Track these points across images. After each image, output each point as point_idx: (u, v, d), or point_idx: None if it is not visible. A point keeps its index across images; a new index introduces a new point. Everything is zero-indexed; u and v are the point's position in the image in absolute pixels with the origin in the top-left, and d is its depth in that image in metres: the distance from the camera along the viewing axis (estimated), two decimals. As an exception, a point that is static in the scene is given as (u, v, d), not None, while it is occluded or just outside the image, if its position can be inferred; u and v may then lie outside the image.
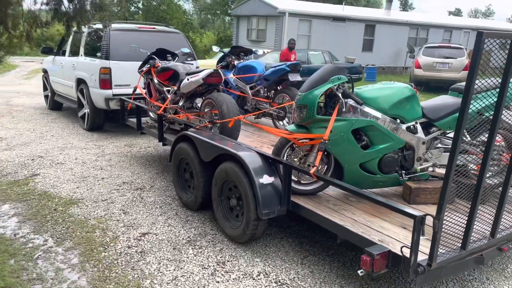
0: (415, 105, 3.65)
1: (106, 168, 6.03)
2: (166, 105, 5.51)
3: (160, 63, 6.05)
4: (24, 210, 4.57)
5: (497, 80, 2.52)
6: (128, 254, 3.69)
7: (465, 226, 2.72)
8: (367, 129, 3.53)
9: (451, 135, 3.91)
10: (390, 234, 3.04)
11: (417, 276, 2.62)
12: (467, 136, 3.52)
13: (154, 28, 8.31)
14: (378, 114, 3.52)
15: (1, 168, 5.90)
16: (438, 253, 2.61)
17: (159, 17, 29.50)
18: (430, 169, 3.78)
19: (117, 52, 7.50)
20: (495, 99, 2.58)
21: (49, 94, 10.08)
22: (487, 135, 3.46)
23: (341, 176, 3.61)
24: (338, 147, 3.51)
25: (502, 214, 2.90)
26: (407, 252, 2.63)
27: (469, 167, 3.53)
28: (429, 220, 2.60)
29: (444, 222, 2.54)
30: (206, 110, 5.14)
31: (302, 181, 3.77)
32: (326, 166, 3.73)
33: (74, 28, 3.69)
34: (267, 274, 3.41)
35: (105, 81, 7.42)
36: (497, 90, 2.55)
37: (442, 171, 3.89)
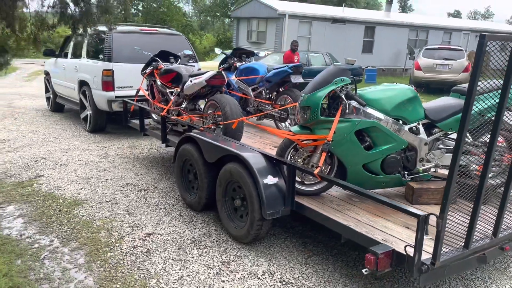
0: (417, 106, 3.69)
1: (109, 169, 6.07)
2: (169, 106, 5.55)
3: (163, 65, 6.09)
4: (29, 211, 4.61)
5: (499, 82, 2.56)
6: (134, 254, 3.72)
7: (468, 225, 2.76)
8: (370, 130, 3.57)
9: (453, 136, 3.96)
10: (394, 234, 3.08)
11: (421, 275, 2.66)
12: (469, 137, 3.56)
13: (156, 30, 8.36)
14: (381, 115, 3.57)
15: (5, 170, 5.93)
16: (442, 252, 2.65)
17: (158, 19, 29.60)
18: (432, 169, 3.82)
19: (120, 54, 7.55)
20: (496, 101, 2.63)
21: (51, 96, 10.12)
22: (488, 136, 3.52)
23: (344, 176, 3.65)
24: (342, 148, 3.56)
25: (504, 213, 2.94)
26: (411, 251, 2.67)
27: (471, 168, 3.58)
28: (431, 220, 2.64)
29: (447, 221, 2.58)
30: (209, 111, 5.18)
31: (305, 182, 3.81)
32: (329, 167, 3.77)
33: (80, 31, 3.73)
34: (271, 274, 3.45)
35: (108, 83, 7.47)
36: (498, 91, 2.60)
37: (444, 171, 3.94)
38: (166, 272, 3.46)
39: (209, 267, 3.53)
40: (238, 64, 6.69)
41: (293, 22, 20.39)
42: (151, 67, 6.19)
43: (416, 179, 3.77)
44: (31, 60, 23.86)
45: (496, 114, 2.57)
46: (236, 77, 6.48)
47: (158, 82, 5.98)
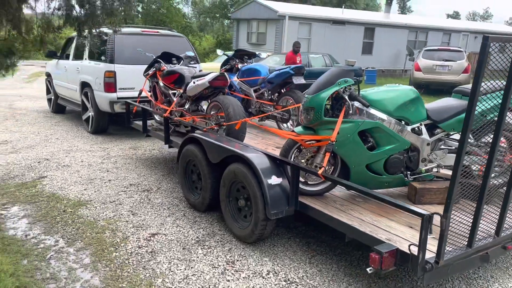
0: (419, 107, 3.73)
1: (112, 170, 6.10)
2: (172, 108, 5.59)
3: (166, 67, 6.13)
4: (33, 212, 4.63)
5: (501, 83, 2.59)
6: (139, 254, 3.75)
7: (471, 224, 2.80)
8: (373, 131, 3.61)
9: (455, 136, 4.00)
10: (397, 233, 3.11)
11: (425, 273, 2.69)
12: (471, 137, 3.60)
13: (157, 32, 8.40)
14: (383, 116, 3.60)
15: (8, 171, 5.96)
16: (445, 251, 2.68)
17: (158, 21, 29.64)
18: (435, 170, 3.85)
19: (122, 56, 7.59)
20: (498, 101, 2.67)
21: (52, 97, 10.15)
22: (490, 137, 3.56)
23: (347, 176, 3.68)
24: (345, 148, 3.59)
25: (507, 213, 2.98)
26: (415, 250, 2.70)
27: (473, 168, 3.61)
28: (435, 220, 2.67)
29: (450, 221, 2.61)
30: (212, 112, 5.22)
31: (309, 182, 3.85)
32: (332, 167, 3.81)
33: (86, 33, 3.77)
34: (276, 273, 3.48)
35: (110, 85, 7.50)
36: (499, 92, 2.64)
37: (446, 171, 3.98)
38: (172, 271, 3.49)
39: (214, 267, 3.56)
40: (239, 65, 6.73)
41: (293, 24, 20.44)
42: (154, 69, 6.22)
43: (418, 179, 3.81)
44: (31, 61, 23.87)
45: (498, 115, 2.61)
46: (238, 78, 6.52)
47: (161, 84, 6.01)
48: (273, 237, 4.11)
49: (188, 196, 4.79)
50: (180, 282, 3.34)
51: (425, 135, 3.73)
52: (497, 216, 3.00)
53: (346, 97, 3.59)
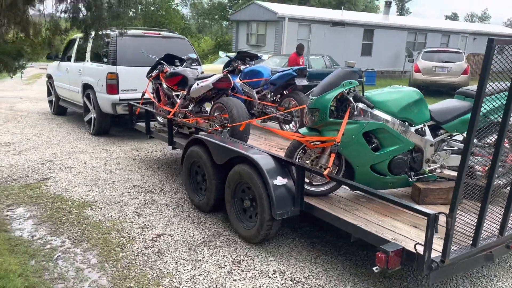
0: (423, 108, 3.77)
1: (115, 171, 6.12)
2: (176, 109, 5.62)
3: (169, 69, 6.17)
4: (38, 213, 4.66)
5: (504, 84, 2.63)
6: (146, 255, 3.79)
7: (475, 224, 2.84)
8: (378, 132, 3.64)
9: (457, 137, 4.05)
10: (402, 233, 3.15)
11: (431, 272, 2.73)
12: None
13: (159, 33, 8.43)
14: (388, 117, 3.64)
15: (12, 172, 5.99)
16: (451, 250, 2.72)
17: (157, 22, 29.66)
18: (438, 170, 3.90)
19: (124, 58, 7.62)
20: (500, 102, 2.71)
21: (54, 99, 10.18)
22: (492, 138, 3.60)
23: (352, 177, 3.72)
24: (350, 149, 3.63)
25: (511, 212, 3.02)
26: (420, 249, 2.74)
27: (476, 168, 3.66)
28: (440, 219, 2.71)
29: (455, 220, 2.65)
30: (215, 114, 5.25)
31: (314, 183, 3.89)
32: (337, 168, 3.84)
33: (92, 35, 3.81)
34: (282, 273, 3.52)
35: (112, 86, 7.53)
36: (500, 93, 2.68)
37: (450, 172, 4.03)
38: (178, 271, 3.52)
39: (220, 267, 3.60)
40: (242, 67, 6.77)
41: (292, 25, 20.50)
42: (157, 70, 6.26)
43: (422, 180, 3.85)
44: (30, 63, 23.88)
45: (503, 116, 2.65)
46: (240, 80, 6.56)
47: (164, 85, 6.05)
48: (278, 237, 4.14)
49: (193, 197, 4.82)
50: (187, 282, 3.37)
51: (428, 136, 3.77)
52: (501, 216, 3.04)
53: (351, 99, 3.62)
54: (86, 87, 8.25)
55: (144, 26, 23.40)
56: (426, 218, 2.70)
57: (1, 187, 5.41)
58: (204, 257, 3.75)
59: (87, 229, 4.29)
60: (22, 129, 8.63)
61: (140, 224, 4.41)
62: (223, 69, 7.07)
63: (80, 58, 8.66)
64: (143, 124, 6.34)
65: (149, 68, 6.54)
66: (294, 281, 3.40)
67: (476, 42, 26.18)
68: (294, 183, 3.70)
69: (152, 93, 6.51)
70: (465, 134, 3.94)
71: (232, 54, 7.58)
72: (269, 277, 3.45)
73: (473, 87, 4.13)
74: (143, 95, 6.66)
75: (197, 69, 7.14)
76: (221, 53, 7.89)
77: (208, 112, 5.49)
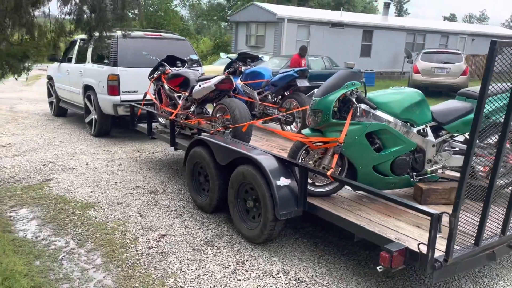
0: (425, 109, 3.80)
1: (117, 172, 6.15)
2: (178, 110, 5.65)
3: (170, 70, 6.19)
4: (42, 214, 4.68)
5: (507, 85, 2.67)
6: (150, 255, 3.81)
7: (478, 224, 2.87)
8: (380, 133, 3.68)
9: (459, 138, 4.09)
10: (405, 233, 3.18)
11: (434, 271, 2.76)
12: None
13: (160, 35, 8.46)
14: (390, 118, 3.67)
15: (14, 174, 6.00)
16: (454, 249, 2.75)
17: (156, 23, 29.67)
18: (440, 171, 3.93)
19: (125, 59, 7.64)
20: (501, 103, 2.74)
21: (54, 100, 10.19)
22: (494, 138, 3.64)
23: (354, 178, 3.75)
24: (352, 150, 3.66)
25: (512, 212, 3.05)
26: (424, 249, 2.77)
27: (477, 169, 3.70)
28: (442, 219, 2.74)
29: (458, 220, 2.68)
30: (218, 115, 5.28)
31: (316, 183, 3.91)
32: (339, 168, 3.87)
33: (96, 37, 3.83)
34: (286, 273, 3.55)
35: (114, 88, 7.56)
36: (500, 94, 2.71)
37: (451, 173, 4.06)
38: (183, 271, 3.55)
39: (224, 267, 3.62)
40: (243, 68, 6.79)
41: (291, 26, 20.54)
42: (159, 72, 6.29)
43: (424, 180, 3.88)
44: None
45: (505, 116, 2.68)
46: (241, 81, 6.58)
47: (166, 87, 6.08)
48: (281, 237, 4.17)
49: (196, 197, 4.85)
50: (192, 281, 3.40)
51: (430, 136, 3.80)
52: (503, 215, 3.08)
53: (354, 100, 3.66)
54: (87, 89, 8.27)
55: (143, 27, 23.41)
56: (429, 218, 2.73)
57: (4, 188, 5.43)
58: (208, 257, 3.78)
59: (91, 229, 4.31)
60: (23, 131, 8.65)
61: (143, 224, 4.43)
62: (224, 70, 7.09)
63: (81, 59, 8.69)
64: (145, 126, 6.36)
65: (150, 69, 6.57)
66: (298, 281, 3.43)
67: (474, 43, 26.27)
68: (297, 183, 3.73)
69: (154, 95, 6.54)
70: (466, 135, 3.99)
71: (233, 55, 7.60)
72: (273, 277, 3.48)
73: (474, 88, 4.17)
74: (145, 96, 6.68)
75: (198, 70, 7.17)
76: (222, 54, 7.91)
77: (210, 113, 5.52)
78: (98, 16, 3.77)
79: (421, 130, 3.79)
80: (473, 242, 2.93)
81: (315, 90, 4.63)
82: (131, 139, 8.20)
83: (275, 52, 20.47)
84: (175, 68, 6.32)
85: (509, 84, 2.65)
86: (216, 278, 3.45)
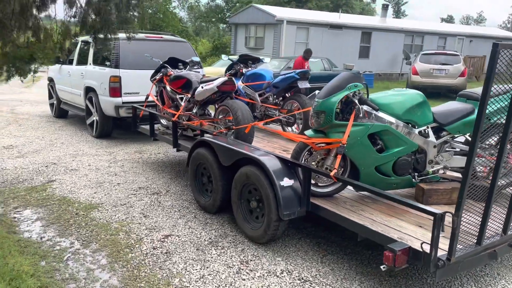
0: (426, 110, 3.85)
1: (120, 174, 6.18)
2: (181, 112, 5.69)
3: (172, 72, 6.24)
4: (46, 215, 4.71)
5: (507, 86, 2.71)
6: (154, 255, 3.84)
7: (480, 223, 2.91)
8: (382, 134, 3.72)
9: (459, 139, 4.13)
10: (408, 232, 3.22)
11: (437, 270, 2.80)
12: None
13: (161, 37, 8.50)
14: (392, 119, 3.72)
15: (17, 175, 6.03)
16: (456, 248, 2.79)
17: (155, 25, 29.70)
18: (441, 171, 3.98)
19: (126, 61, 7.68)
20: (502, 104, 2.79)
21: (55, 102, 10.22)
22: (494, 139, 3.69)
23: (357, 178, 3.80)
24: (355, 150, 3.71)
25: (514, 212, 3.10)
26: (427, 248, 2.81)
27: (478, 169, 3.75)
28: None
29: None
30: (220, 116, 5.32)
31: (319, 184, 3.96)
32: (342, 169, 3.92)
33: (101, 39, 3.87)
34: (289, 272, 3.59)
35: (115, 89, 7.59)
36: (503, 95, 2.76)
37: (452, 173, 4.11)
38: (188, 271, 3.58)
39: (229, 266, 3.66)
40: (244, 70, 6.84)
41: (290, 28, 20.61)
42: (161, 74, 6.33)
43: (425, 180, 3.92)
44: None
45: (507, 117, 2.73)
46: (242, 82, 6.63)
47: (168, 88, 6.11)
48: (284, 238, 4.21)
49: (199, 198, 4.88)
50: (197, 281, 3.44)
51: (431, 137, 3.85)
52: (504, 215, 3.12)
53: (356, 101, 3.70)
54: (89, 90, 8.31)
55: (142, 29, 23.40)
56: (431, 217, 2.78)
57: (7, 189, 5.46)
58: (212, 257, 3.82)
59: (95, 230, 4.34)
60: (24, 132, 8.67)
61: (147, 225, 4.47)
62: (225, 72, 7.14)
63: (82, 61, 8.72)
64: (147, 127, 6.40)
65: (152, 71, 6.61)
66: (302, 280, 3.47)
67: (472, 44, 26.37)
68: (301, 184, 3.77)
69: (156, 96, 6.57)
70: (467, 136, 4.04)
71: (234, 57, 7.64)
72: (277, 276, 3.52)
73: (474, 90, 4.22)
74: (147, 98, 6.72)
75: (199, 71, 7.22)
76: (223, 56, 7.97)
77: (212, 115, 5.56)
78: (103, 18, 3.80)
79: (423, 131, 3.83)
80: (475, 241, 2.97)
81: (316, 91, 4.69)
82: (133, 140, 8.24)
83: (274, 53, 20.53)
84: (177, 70, 6.36)
85: (510, 85, 2.70)
86: (221, 278, 3.49)
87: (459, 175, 4.09)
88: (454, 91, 15.41)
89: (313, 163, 3.93)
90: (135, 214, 4.74)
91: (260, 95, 6.48)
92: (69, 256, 3.81)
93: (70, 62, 9.21)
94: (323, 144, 3.82)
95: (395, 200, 3.14)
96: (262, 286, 3.38)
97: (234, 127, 4.96)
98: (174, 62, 6.48)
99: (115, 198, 5.21)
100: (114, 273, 3.55)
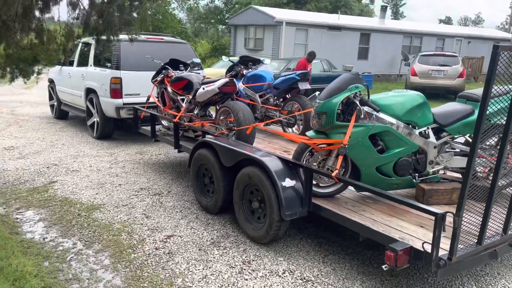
0: (426, 111, 3.88)
1: (121, 175, 6.20)
2: (182, 113, 5.71)
3: (173, 73, 6.26)
4: (48, 216, 4.73)
5: (508, 87, 2.75)
6: (157, 255, 3.87)
7: (480, 223, 2.94)
8: (383, 134, 3.75)
9: (459, 139, 4.17)
10: (409, 232, 3.25)
11: (439, 270, 2.83)
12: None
13: (162, 38, 8.53)
14: (393, 120, 3.75)
15: (18, 176, 6.05)
16: (457, 248, 2.82)
17: (154, 26, 29.73)
18: (441, 171, 4.01)
19: (127, 62, 7.71)
20: (503, 105, 2.82)
21: (55, 103, 10.24)
22: (494, 139, 3.72)
23: (358, 179, 3.83)
24: (356, 151, 3.74)
25: (514, 211, 3.13)
26: (428, 248, 2.84)
27: (478, 170, 3.78)
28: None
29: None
30: (221, 117, 5.35)
31: (320, 184, 3.99)
32: (343, 170, 3.95)
33: (104, 41, 3.90)
34: (292, 272, 3.61)
35: (116, 91, 7.62)
36: (503, 96, 2.79)
37: (452, 173, 4.14)
38: (190, 271, 3.61)
39: (231, 266, 3.69)
40: (244, 71, 6.86)
41: (290, 30, 20.65)
42: (162, 75, 6.35)
43: (426, 181, 3.95)
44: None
45: (507, 118, 2.76)
46: (243, 84, 6.65)
47: (169, 90, 6.14)
48: (286, 238, 4.24)
49: (200, 199, 4.91)
50: (200, 281, 3.46)
51: (432, 138, 3.88)
52: (504, 215, 3.15)
53: (357, 102, 3.73)
54: (89, 92, 8.33)
55: (143, 31, 23.42)
56: (432, 217, 2.81)
57: (9, 190, 5.48)
58: (214, 258, 3.84)
59: (97, 231, 4.36)
60: (25, 133, 8.69)
61: (149, 226, 4.49)
62: (226, 73, 7.16)
63: (82, 62, 8.74)
64: (148, 128, 6.43)
65: (152, 72, 6.64)
66: (304, 280, 3.49)
67: (470, 46, 26.44)
68: (302, 184, 3.80)
69: (157, 97, 6.60)
70: (467, 137, 4.08)
71: (235, 59, 7.67)
72: (279, 276, 3.54)
73: (474, 91, 4.25)
74: (148, 99, 6.75)
75: (199, 73, 7.25)
76: (224, 57, 7.99)
77: (214, 116, 5.58)
78: (106, 20, 3.83)
79: (423, 132, 3.86)
80: (476, 241, 3.00)
81: (317, 92, 4.72)
82: (133, 141, 8.26)
83: (274, 55, 20.56)
84: (178, 71, 6.39)
85: (510, 86, 2.73)
86: (224, 278, 3.51)
87: (459, 175, 4.12)
88: (452, 92, 15.47)
89: (314, 163, 3.96)
90: (137, 215, 4.76)
91: (260, 96, 6.51)
92: (72, 257, 3.83)
93: (71, 64, 9.23)
94: (324, 145, 3.85)
95: (396, 200, 3.17)
96: (264, 286, 3.41)
97: (235, 128, 4.99)
98: (175, 64, 6.51)
99: (117, 199, 5.24)
100: (117, 273, 3.58)
